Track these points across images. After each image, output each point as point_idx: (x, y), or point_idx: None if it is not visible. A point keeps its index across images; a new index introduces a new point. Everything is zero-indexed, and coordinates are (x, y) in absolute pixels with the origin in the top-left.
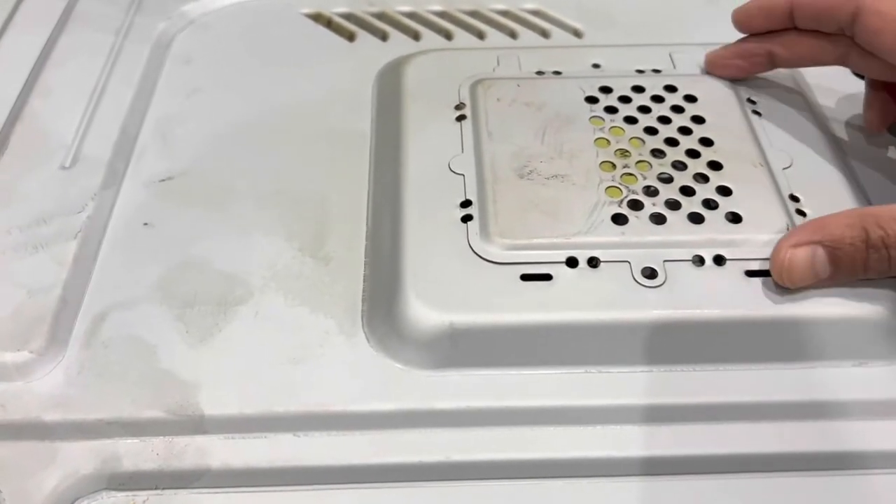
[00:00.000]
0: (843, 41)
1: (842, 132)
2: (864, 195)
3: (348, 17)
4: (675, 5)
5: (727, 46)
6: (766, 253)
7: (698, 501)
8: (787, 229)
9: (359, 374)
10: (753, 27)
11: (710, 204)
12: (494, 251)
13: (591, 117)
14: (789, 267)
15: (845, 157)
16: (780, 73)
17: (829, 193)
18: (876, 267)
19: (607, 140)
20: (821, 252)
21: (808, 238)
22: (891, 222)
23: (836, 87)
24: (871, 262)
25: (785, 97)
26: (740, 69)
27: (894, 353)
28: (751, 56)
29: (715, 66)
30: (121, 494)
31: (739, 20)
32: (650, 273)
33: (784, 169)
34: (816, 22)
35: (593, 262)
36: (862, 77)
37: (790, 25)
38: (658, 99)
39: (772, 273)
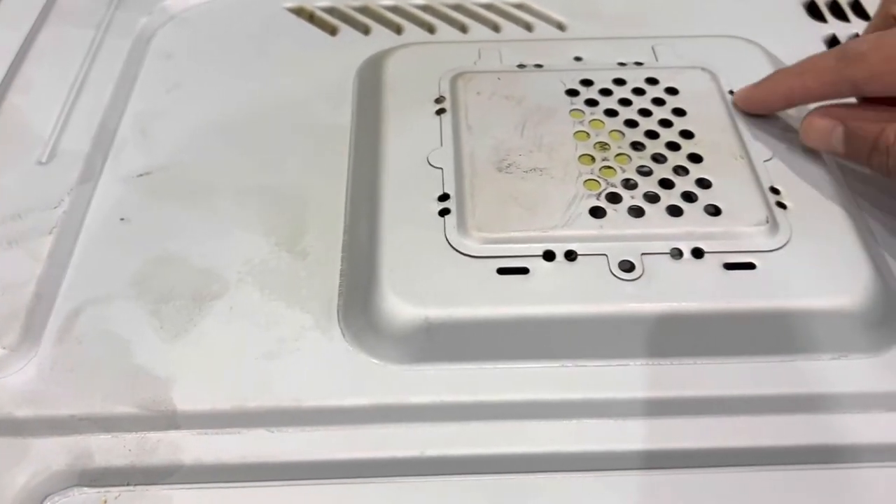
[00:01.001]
0: None
1: None
2: (844, 187)
3: (331, 10)
4: None
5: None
6: (745, 246)
7: (677, 495)
8: (767, 222)
9: (334, 368)
10: (753, 113)
11: (689, 197)
12: (471, 245)
13: (571, 110)
14: (807, 129)
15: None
16: (762, 66)
17: (809, 186)
18: (877, 166)
19: (587, 133)
20: (839, 130)
21: (837, 114)
22: None
23: None
24: (873, 161)
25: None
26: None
27: (873, 345)
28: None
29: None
30: (92, 491)
31: (740, 106)
32: (628, 266)
33: (765, 161)
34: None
35: (571, 256)
36: None
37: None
38: (639, 91)
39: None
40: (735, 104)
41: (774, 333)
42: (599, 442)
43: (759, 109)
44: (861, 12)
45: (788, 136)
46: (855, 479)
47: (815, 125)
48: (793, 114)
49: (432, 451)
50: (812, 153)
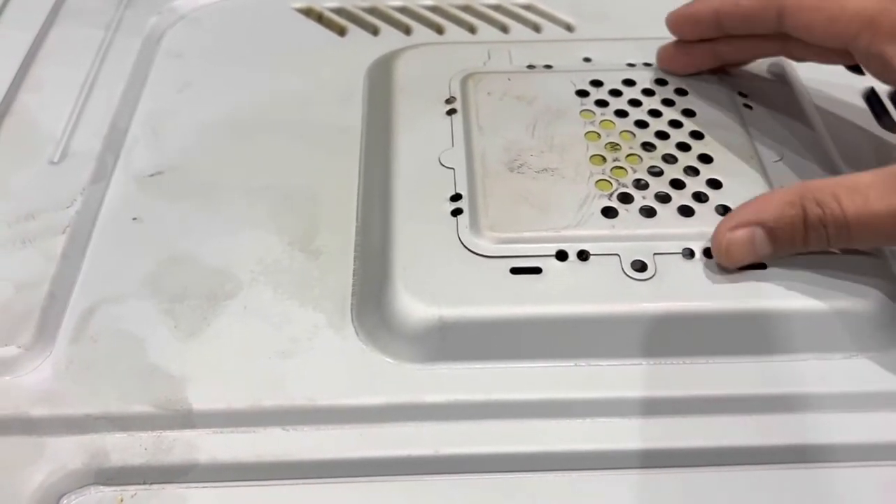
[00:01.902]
0: (778, 38)
1: (831, 126)
2: None
3: (339, 11)
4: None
5: (675, 42)
6: None
7: (690, 494)
8: None
9: (348, 367)
10: (684, 34)
11: (700, 197)
12: (484, 244)
13: (581, 111)
14: (727, 249)
15: (835, 151)
16: (770, 68)
17: None
18: (815, 243)
19: (598, 133)
20: (760, 232)
21: (748, 219)
22: (829, 200)
23: (827, 80)
24: (809, 239)
25: (775, 91)
26: (686, 65)
27: (884, 345)
28: (695, 53)
29: (661, 61)
30: (108, 489)
31: (671, 26)
32: (640, 266)
33: (774, 162)
34: (746, 27)
35: (583, 256)
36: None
37: (721, 34)
38: (649, 92)
39: (713, 255)
40: (666, 23)
41: (786, 333)
42: (613, 441)
43: (688, 27)
44: None
45: (797, 137)
46: (870, 477)
47: (733, 241)
48: (803, 115)
49: (446, 450)
50: (821, 154)
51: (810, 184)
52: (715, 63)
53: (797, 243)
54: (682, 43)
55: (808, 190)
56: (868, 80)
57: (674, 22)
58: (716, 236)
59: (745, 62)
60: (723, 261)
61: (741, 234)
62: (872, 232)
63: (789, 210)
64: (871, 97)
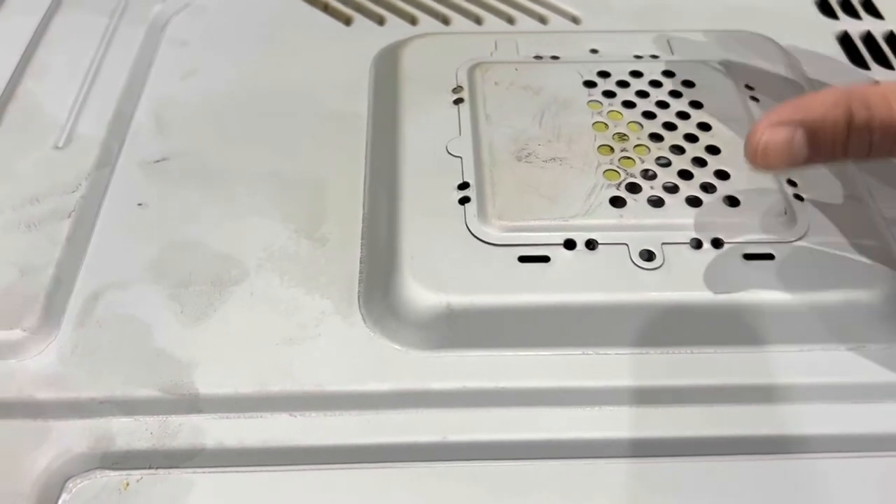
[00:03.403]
0: None
1: None
2: (859, 178)
3: (345, 0)
4: None
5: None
6: (764, 237)
7: (695, 483)
8: (785, 213)
9: (355, 354)
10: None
11: (707, 188)
12: (492, 233)
13: (589, 101)
14: (764, 149)
15: None
16: (777, 60)
17: (825, 177)
18: (855, 151)
19: (605, 124)
20: (800, 133)
21: (790, 117)
22: (880, 102)
23: (833, 74)
24: (851, 146)
25: (782, 84)
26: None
27: (890, 336)
28: None
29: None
30: (114, 473)
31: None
32: (648, 255)
33: None
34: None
35: (591, 245)
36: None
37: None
38: (656, 84)
39: (745, 154)
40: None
41: (793, 323)
42: (620, 429)
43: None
44: (872, 10)
45: None
46: (873, 467)
47: (772, 141)
48: None
49: (454, 437)
50: None
51: (857, 87)
52: None
53: (837, 149)
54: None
55: (855, 92)
56: (874, 74)
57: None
58: (752, 135)
59: None
60: (757, 162)
61: (781, 133)
62: None
63: (833, 110)
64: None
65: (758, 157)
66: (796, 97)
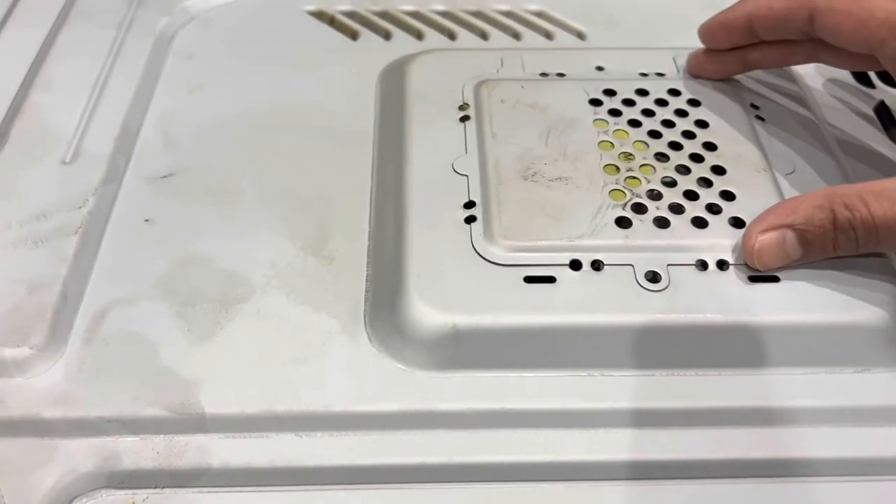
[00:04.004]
0: (809, 43)
1: (844, 138)
2: None
3: (351, 15)
4: (676, 9)
5: (705, 50)
6: None
7: None
8: None
9: (361, 374)
10: (717, 43)
11: (713, 208)
12: (498, 253)
13: (595, 120)
14: (759, 251)
15: (847, 163)
16: (783, 79)
17: None
18: (845, 246)
19: (611, 143)
20: (791, 235)
21: (779, 222)
22: (857, 203)
23: (839, 92)
24: (839, 243)
25: (788, 103)
26: (717, 72)
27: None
28: (726, 60)
29: (692, 68)
30: (120, 493)
31: (704, 37)
32: (653, 277)
33: (787, 175)
34: (778, 31)
35: (597, 265)
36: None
37: (754, 39)
38: (662, 102)
39: (744, 257)
40: (699, 33)
41: (798, 346)
42: (625, 451)
43: (721, 35)
44: None
45: (810, 149)
46: (880, 492)
47: (765, 244)
48: (815, 128)
49: (460, 458)
50: (833, 167)
51: (837, 189)
52: (745, 70)
53: (827, 247)
54: (712, 51)
55: (835, 194)
56: (878, 93)
57: (706, 31)
58: (746, 239)
59: (775, 68)
60: (754, 264)
61: (772, 236)
62: None
63: (819, 213)
64: (881, 110)
65: (755, 260)
66: (780, 203)
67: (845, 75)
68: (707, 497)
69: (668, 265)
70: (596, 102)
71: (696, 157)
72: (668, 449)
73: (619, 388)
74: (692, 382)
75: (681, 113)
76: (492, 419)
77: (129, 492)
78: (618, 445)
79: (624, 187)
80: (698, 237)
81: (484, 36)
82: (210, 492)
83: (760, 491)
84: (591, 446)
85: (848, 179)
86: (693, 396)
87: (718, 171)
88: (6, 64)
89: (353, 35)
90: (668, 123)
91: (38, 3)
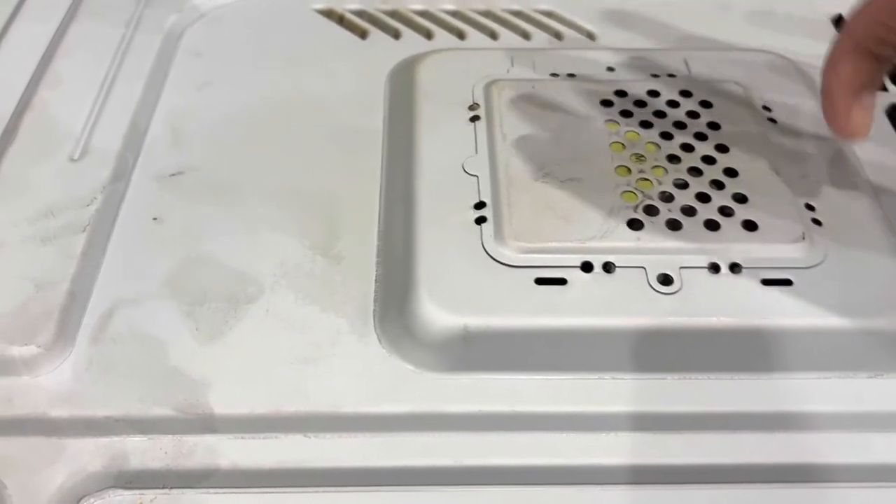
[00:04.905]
0: None
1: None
2: (878, 203)
3: (360, 14)
4: (687, 9)
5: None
6: (782, 262)
7: None
8: (803, 238)
9: (370, 375)
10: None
11: (725, 211)
12: (509, 254)
13: (606, 121)
14: (856, 132)
15: (860, 165)
16: (795, 81)
17: (843, 202)
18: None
19: (623, 144)
20: (863, 97)
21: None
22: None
23: None
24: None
25: (799, 105)
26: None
27: None
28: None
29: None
30: (128, 493)
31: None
32: (665, 279)
33: (799, 178)
34: None
35: (608, 268)
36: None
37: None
38: (673, 104)
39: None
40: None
41: (811, 350)
42: (636, 455)
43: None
44: None
45: (821, 151)
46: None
47: (860, 126)
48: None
49: (469, 461)
50: (846, 169)
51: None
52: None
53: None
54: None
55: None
56: (890, 96)
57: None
58: (840, 130)
59: None
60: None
61: (859, 114)
62: None
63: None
64: (893, 112)
65: (857, 137)
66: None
67: None
68: (719, 501)
69: (681, 268)
70: (607, 103)
71: (708, 159)
72: (680, 453)
73: (630, 391)
74: (704, 386)
75: (692, 114)
76: (501, 422)
77: (137, 492)
78: (628, 449)
79: (636, 189)
80: (710, 240)
81: (493, 35)
82: (218, 493)
83: (772, 496)
84: (601, 450)
85: (862, 182)
86: (704, 400)
87: (730, 173)
88: (15, 61)
89: (363, 34)
90: (680, 125)
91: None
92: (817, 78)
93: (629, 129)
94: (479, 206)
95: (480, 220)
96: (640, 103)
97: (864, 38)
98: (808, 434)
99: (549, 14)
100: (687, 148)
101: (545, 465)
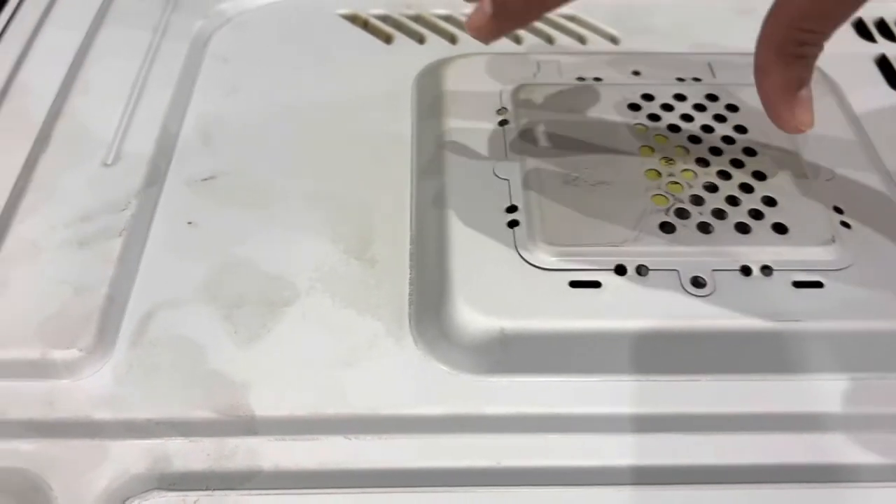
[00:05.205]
0: None
1: (880, 142)
2: None
3: (385, 18)
4: (709, 13)
5: None
6: (812, 265)
7: None
8: (833, 241)
9: (408, 377)
10: None
11: (755, 214)
12: (542, 257)
13: (634, 125)
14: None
15: (885, 169)
16: (816, 83)
17: (871, 204)
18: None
19: (651, 148)
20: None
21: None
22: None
23: (874, 97)
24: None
25: (824, 108)
26: None
27: None
28: None
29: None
30: (172, 494)
31: None
32: (698, 282)
33: (827, 181)
34: None
35: (642, 270)
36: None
37: None
38: (700, 108)
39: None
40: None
41: (842, 352)
42: (672, 456)
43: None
44: None
45: (849, 154)
46: None
47: (804, 118)
48: (852, 133)
49: (508, 462)
50: (872, 172)
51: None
52: None
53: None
54: None
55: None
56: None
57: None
58: (784, 127)
59: None
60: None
61: (799, 110)
62: None
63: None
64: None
65: (803, 131)
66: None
67: (878, 79)
68: (753, 501)
69: (713, 270)
70: (634, 107)
71: (737, 163)
72: (716, 454)
73: (666, 393)
74: (737, 388)
75: (719, 118)
76: (539, 423)
77: (181, 493)
78: (664, 450)
79: (666, 192)
80: (741, 243)
81: (517, 40)
82: (260, 494)
83: (804, 496)
84: (639, 451)
85: (889, 184)
86: (739, 401)
87: (759, 176)
88: (45, 67)
89: (387, 39)
90: (708, 128)
91: (72, 7)
92: (838, 82)
93: (657, 132)
94: (511, 209)
95: (513, 224)
96: (667, 107)
97: (783, 43)
98: (838, 435)
99: (572, 18)
100: (715, 151)
101: (583, 466)
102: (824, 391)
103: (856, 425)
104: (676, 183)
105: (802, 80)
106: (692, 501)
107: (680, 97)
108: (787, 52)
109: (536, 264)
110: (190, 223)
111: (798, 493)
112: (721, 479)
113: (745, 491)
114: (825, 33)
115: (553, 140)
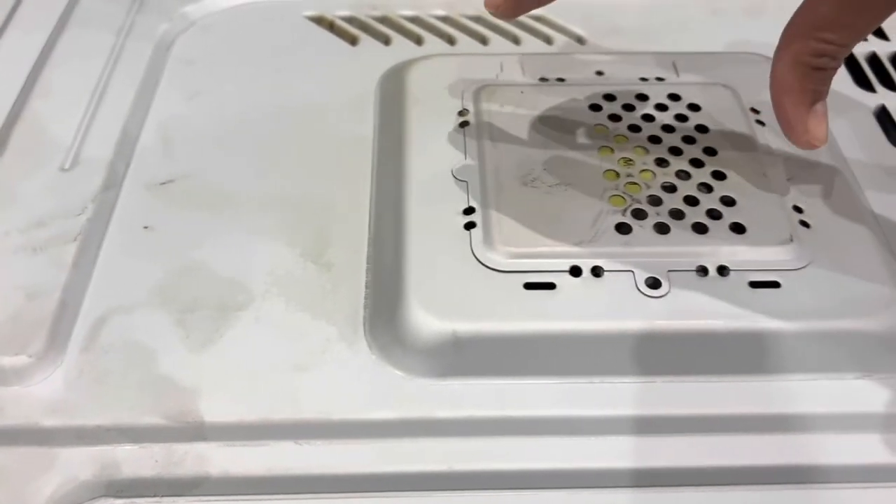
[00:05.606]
0: None
1: (844, 142)
2: (865, 205)
3: (351, 20)
4: (678, 14)
5: None
6: (770, 265)
7: None
8: (791, 241)
9: (361, 381)
10: None
11: (713, 214)
12: (498, 259)
13: (595, 125)
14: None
15: (848, 168)
16: None
17: (830, 204)
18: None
19: (611, 148)
20: (819, 105)
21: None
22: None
23: (839, 99)
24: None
25: None
26: None
27: None
28: None
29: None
30: (119, 501)
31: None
32: (653, 283)
33: (787, 180)
34: None
35: (597, 272)
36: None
37: None
38: (662, 107)
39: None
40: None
41: (800, 352)
42: (626, 459)
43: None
44: (877, 31)
45: (810, 154)
46: (877, 499)
47: (817, 135)
48: None
49: (460, 466)
50: (834, 171)
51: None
52: None
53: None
54: None
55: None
56: (879, 98)
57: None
58: (798, 139)
59: None
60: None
61: (820, 124)
62: None
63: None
64: (882, 115)
65: (816, 146)
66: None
67: (845, 77)
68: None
69: (669, 271)
70: (596, 108)
71: (696, 163)
72: (670, 456)
73: (620, 395)
74: (693, 389)
75: (681, 118)
76: (492, 427)
77: (128, 500)
78: (618, 453)
79: (624, 193)
80: (698, 243)
81: (483, 41)
82: (209, 500)
83: (762, 498)
84: (592, 453)
85: (850, 184)
86: (694, 403)
87: (719, 176)
88: (5, 70)
89: (353, 40)
90: (669, 128)
91: (37, 8)
92: None
93: (618, 133)
94: (469, 211)
95: (470, 226)
96: (629, 107)
97: (800, 53)
98: (798, 435)
99: (538, 19)
100: (675, 151)
101: (536, 469)
102: (781, 391)
103: (814, 426)
104: (635, 183)
105: (819, 94)
106: (650, 503)
107: (642, 97)
108: (805, 62)
109: (491, 266)
110: (146, 227)
111: (756, 495)
112: (675, 481)
113: (700, 493)
114: (846, 45)
115: (513, 141)
